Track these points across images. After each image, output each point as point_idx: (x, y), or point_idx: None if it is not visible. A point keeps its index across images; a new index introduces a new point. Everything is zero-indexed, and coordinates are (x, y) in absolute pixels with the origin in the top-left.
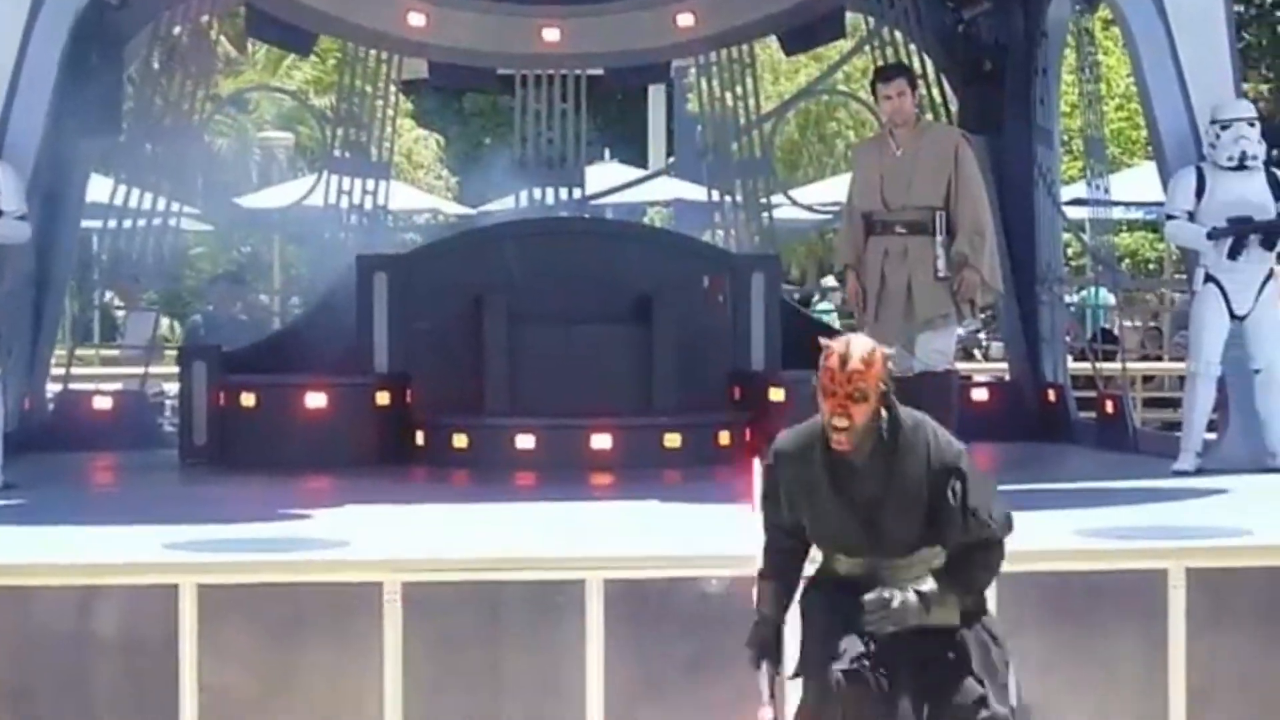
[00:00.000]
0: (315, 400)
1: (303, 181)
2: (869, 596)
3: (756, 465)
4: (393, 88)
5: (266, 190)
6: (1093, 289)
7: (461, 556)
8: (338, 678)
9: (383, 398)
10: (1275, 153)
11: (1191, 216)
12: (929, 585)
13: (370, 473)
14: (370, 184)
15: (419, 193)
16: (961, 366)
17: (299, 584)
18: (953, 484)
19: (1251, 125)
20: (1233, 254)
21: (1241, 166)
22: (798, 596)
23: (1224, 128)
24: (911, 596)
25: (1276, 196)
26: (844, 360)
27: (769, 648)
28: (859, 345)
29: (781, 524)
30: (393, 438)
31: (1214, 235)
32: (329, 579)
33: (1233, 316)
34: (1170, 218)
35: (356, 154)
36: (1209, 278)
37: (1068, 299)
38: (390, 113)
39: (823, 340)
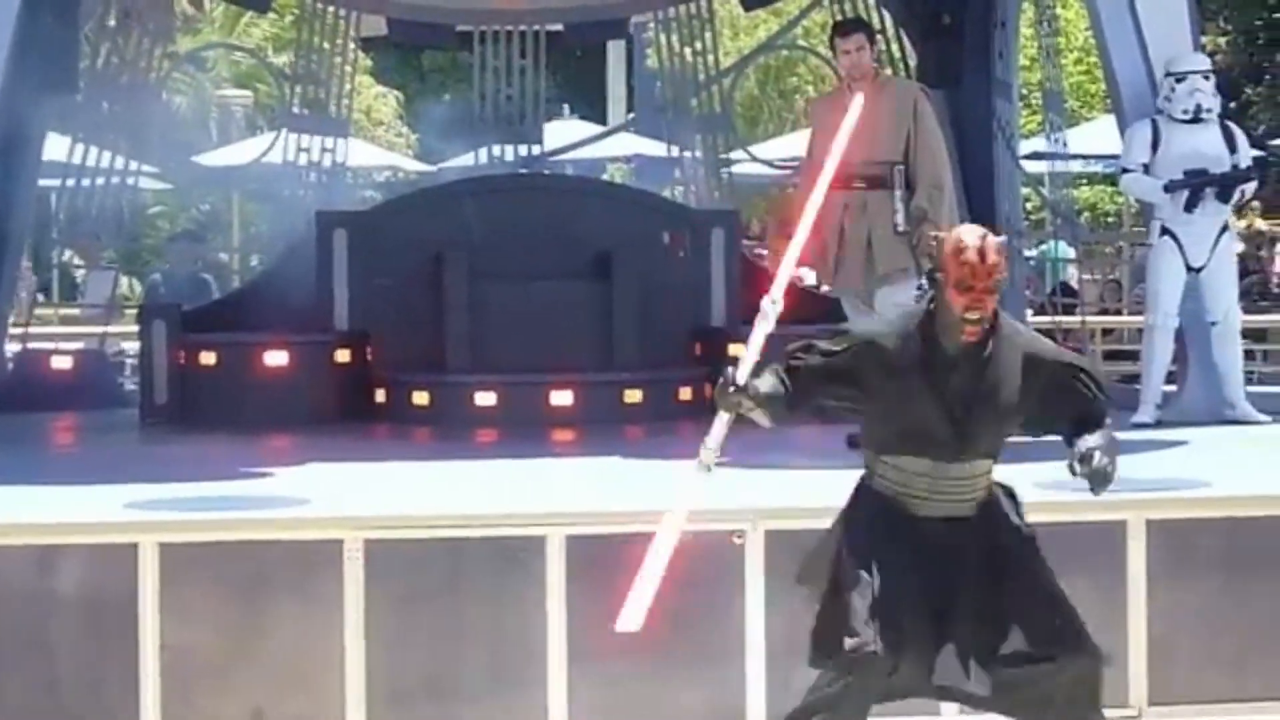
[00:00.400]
0: (275, 358)
1: (261, 139)
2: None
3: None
4: (351, 44)
5: (225, 148)
6: (1052, 242)
7: (422, 513)
8: (299, 635)
9: (343, 355)
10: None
11: (1147, 169)
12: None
13: (331, 430)
14: (329, 141)
15: (378, 150)
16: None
17: (260, 542)
18: (1070, 369)
19: (1206, 78)
20: (1189, 206)
21: (1196, 119)
22: (845, 507)
23: (1179, 80)
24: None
25: (1231, 149)
26: (983, 253)
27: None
28: (990, 237)
29: (822, 383)
30: (353, 395)
31: (1170, 188)
32: (290, 537)
33: (1189, 269)
34: (1126, 171)
35: (315, 111)
36: (1165, 230)
37: (1027, 253)
38: (349, 69)
39: (934, 233)
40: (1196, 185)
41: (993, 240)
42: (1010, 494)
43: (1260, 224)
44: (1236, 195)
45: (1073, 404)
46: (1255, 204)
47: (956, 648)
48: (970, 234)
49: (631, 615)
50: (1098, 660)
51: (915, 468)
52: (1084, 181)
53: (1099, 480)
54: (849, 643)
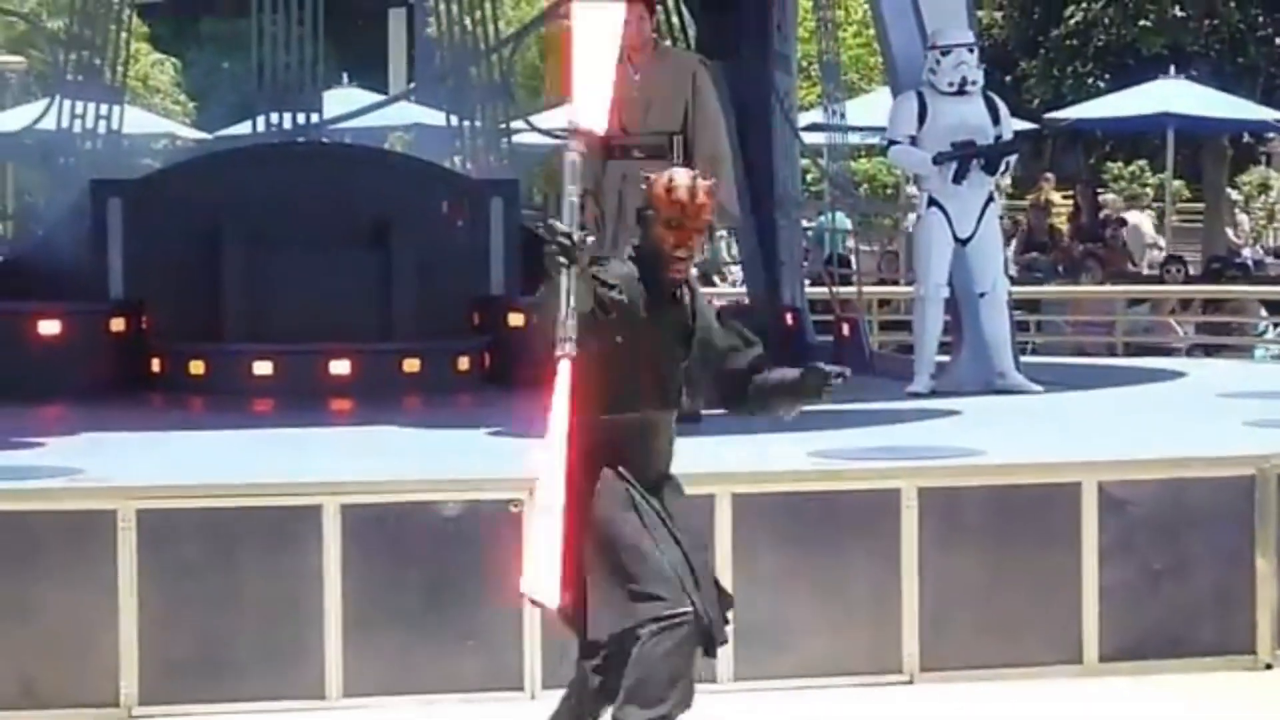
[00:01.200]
0: (48, 327)
1: (35, 106)
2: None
3: None
4: (127, 10)
5: None
6: (830, 214)
7: (197, 483)
8: (72, 606)
9: (118, 324)
10: (1008, 79)
11: (914, 141)
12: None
13: (105, 400)
14: (104, 108)
15: (155, 117)
16: (702, 291)
17: (31, 512)
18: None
19: (971, 51)
20: (957, 178)
21: (961, 91)
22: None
23: (944, 53)
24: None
25: (994, 120)
26: (693, 193)
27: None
28: (694, 177)
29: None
30: (129, 365)
31: (939, 159)
32: (62, 507)
33: (956, 240)
34: (893, 143)
35: (90, 78)
36: (932, 202)
37: (805, 223)
38: (125, 36)
39: (645, 174)
40: (965, 157)
41: (703, 182)
42: None
43: (1054, 195)
44: (1001, 166)
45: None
46: (1049, 175)
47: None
48: (682, 174)
49: (545, 589)
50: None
51: (630, 418)
52: (862, 154)
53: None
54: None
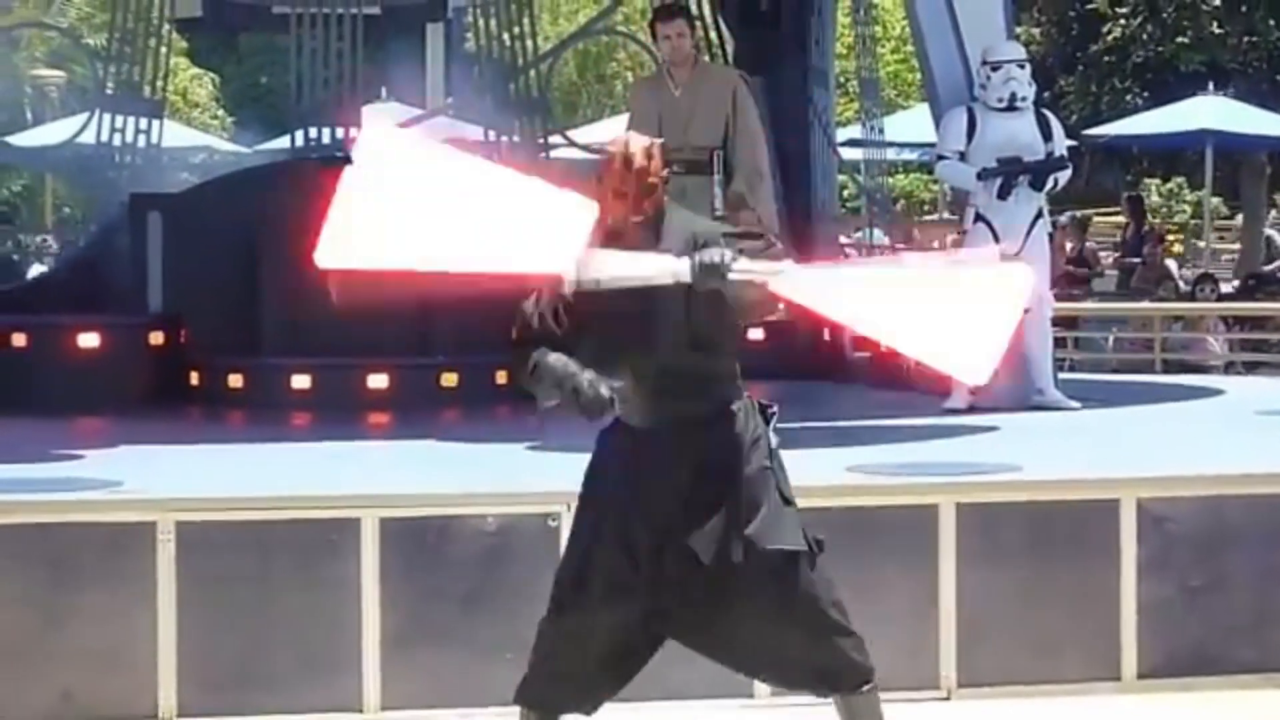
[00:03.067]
0: (88, 340)
1: (75, 119)
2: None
3: None
4: (167, 25)
5: (38, 128)
6: (868, 229)
7: (236, 496)
8: (110, 619)
9: (156, 338)
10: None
11: (962, 157)
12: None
13: (144, 413)
14: (144, 123)
15: (194, 132)
16: None
17: (71, 524)
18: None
19: (1021, 67)
20: (1002, 194)
21: (1011, 107)
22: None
23: (994, 69)
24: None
25: (1045, 137)
26: (628, 159)
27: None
28: (638, 140)
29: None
30: (167, 378)
31: (984, 175)
32: (102, 519)
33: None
34: (941, 158)
35: (129, 92)
36: (979, 217)
37: (843, 239)
38: (164, 51)
39: (598, 147)
40: (1010, 173)
41: (640, 143)
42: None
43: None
44: (1050, 183)
45: None
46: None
47: None
48: (624, 143)
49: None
50: None
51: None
52: (900, 169)
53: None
54: None
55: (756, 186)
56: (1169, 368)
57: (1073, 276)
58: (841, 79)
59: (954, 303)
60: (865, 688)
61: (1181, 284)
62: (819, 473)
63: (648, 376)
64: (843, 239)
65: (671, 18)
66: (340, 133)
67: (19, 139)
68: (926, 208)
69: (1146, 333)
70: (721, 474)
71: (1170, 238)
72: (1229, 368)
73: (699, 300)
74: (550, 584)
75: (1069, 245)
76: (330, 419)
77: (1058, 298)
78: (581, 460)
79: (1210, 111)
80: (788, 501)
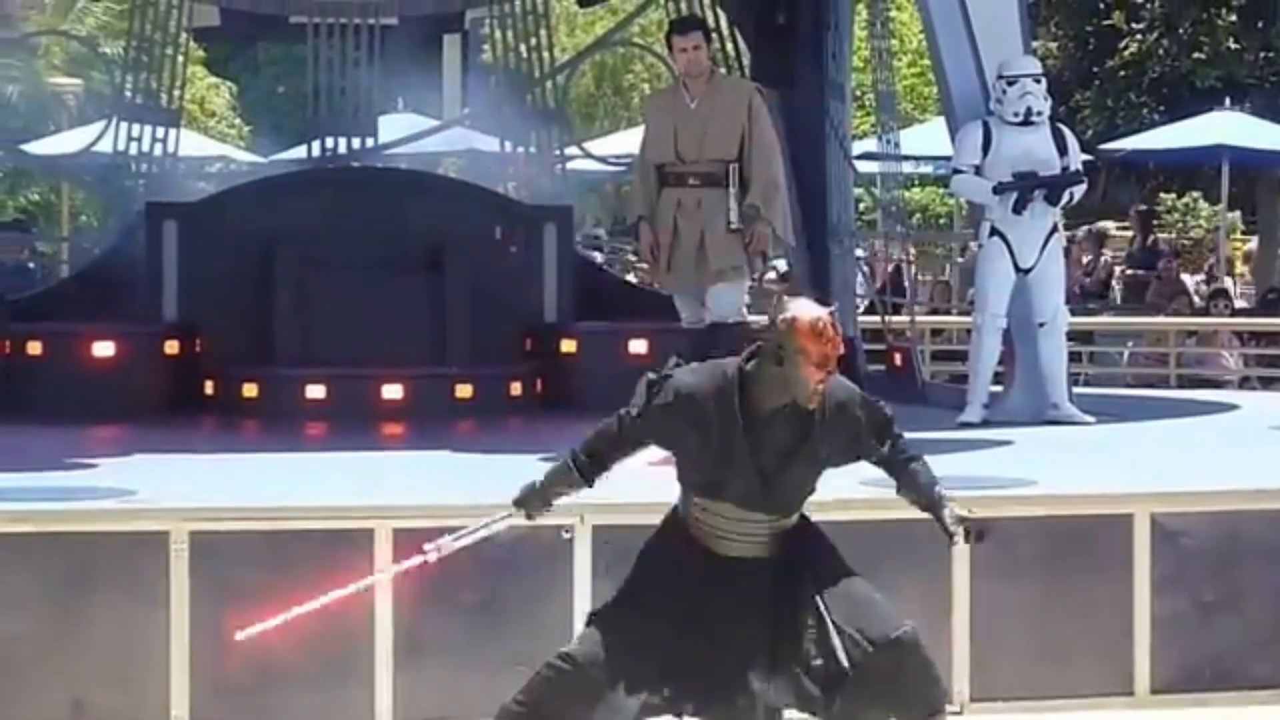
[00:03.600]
0: (103, 349)
1: (92, 128)
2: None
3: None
4: (184, 34)
5: (55, 136)
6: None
7: (249, 505)
8: (124, 627)
9: (172, 346)
10: (1063, 109)
11: (978, 170)
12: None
13: (159, 422)
14: (160, 131)
15: (210, 141)
16: (753, 319)
17: (86, 533)
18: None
19: (1037, 81)
20: (1017, 208)
21: (1027, 122)
22: (649, 539)
23: (1010, 83)
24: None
25: (1061, 151)
26: (834, 328)
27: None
28: (825, 311)
29: (636, 441)
30: (182, 387)
31: (1000, 190)
32: (116, 528)
33: (1018, 269)
34: (957, 172)
35: (147, 100)
36: (994, 231)
37: (858, 252)
38: (181, 59)
39: (789, 308)
40: (1025, 187)
41: (829, 315)
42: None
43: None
44: (1065, 198)
45: (869, 453)
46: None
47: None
48: (823, 311)
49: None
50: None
51: (723, 511)
52: (916, 183)
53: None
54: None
55: (772, 199)
56: (1184, 383)
57: (1087, 291)
58: (858, 92)
59: None
60: None
61: (1196, 299)
62: (832, 487)
63: None
64: (858, 252)
65: (688, 30)
66: (356, 143)
67: (36, 147)
68: (943, 221)
69: (1161, 347)
70: None
71: (1182, 256)
72: (1244, 383)
73: None
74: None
75: (1085, 259)
76: (345, 429)
77: (1073, 312)
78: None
79: (1226, 126)
80: None
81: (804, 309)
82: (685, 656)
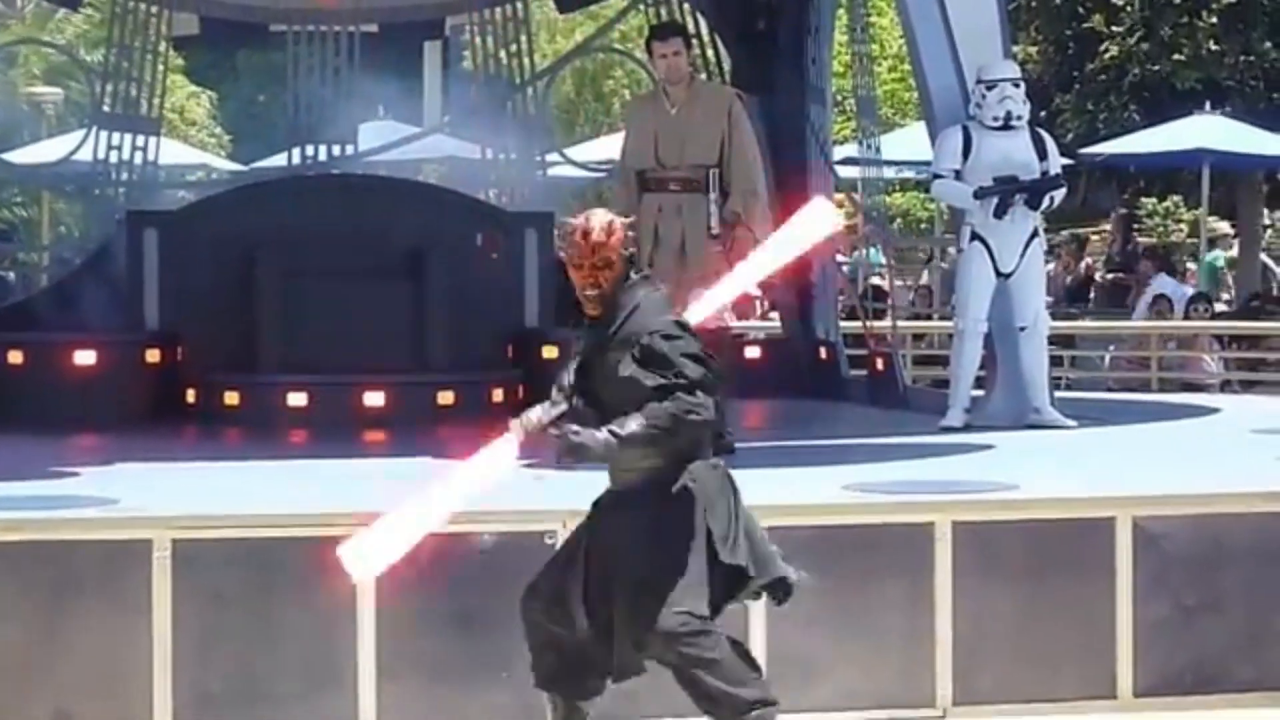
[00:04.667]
0: (84, 358)
1: (72, 136)
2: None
3: None
4: (164, 43)
5: (35, 145)
6: (864, 248)
7: (232, 513)
8: (106, 636)
9: (153, 355)
10: (1043, 113)
11: (958, 175)
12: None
13: (141, 431)
14: (140, 140)
15: (191, 149)
16: (735, 324)
17: (67, 542)
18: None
19: (1016, 85)
20: (998, 213)
21: (1007, 126)
22: None
23: (989, 88)
24: (601, 434)
25: (1041, 155)
26: (586, 233)
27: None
28: (599, 216)
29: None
30: (164, 395)
31: (980, 194)
32: (98, 536)
33: (998, 274)
34: (937, 176)
35: (127, 109)
36: (975, 236)
37: (841, 258)
38: (161, 68)
39: (561, 220)
40: (1006, 192)
41: (600, 220)
42: (652, 491)
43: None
44: (1046, 202)
45: (657, 389)
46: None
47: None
48: (586, 217)
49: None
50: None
51: None
52: (897, 188)
53: (561, 454)
54: None
55: (752, 205)
56: (1165, 386)
57: (1074, 295)
58: (839, 97)
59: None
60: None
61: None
62: (815, 491)
63: None
64: (839, 257)
65: (668, 36)
66: (337, 150)
67: (15, 156)
68: (924, 226)
69: (1143, 351)
70: None
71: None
72: (1225, 386)
73: None
74: None
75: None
76: (327, 436)
77: (1054, 316)
78: (578, 479)
79: (1207, 130)
80: None
81: (581, 214)
82: (556, 582)
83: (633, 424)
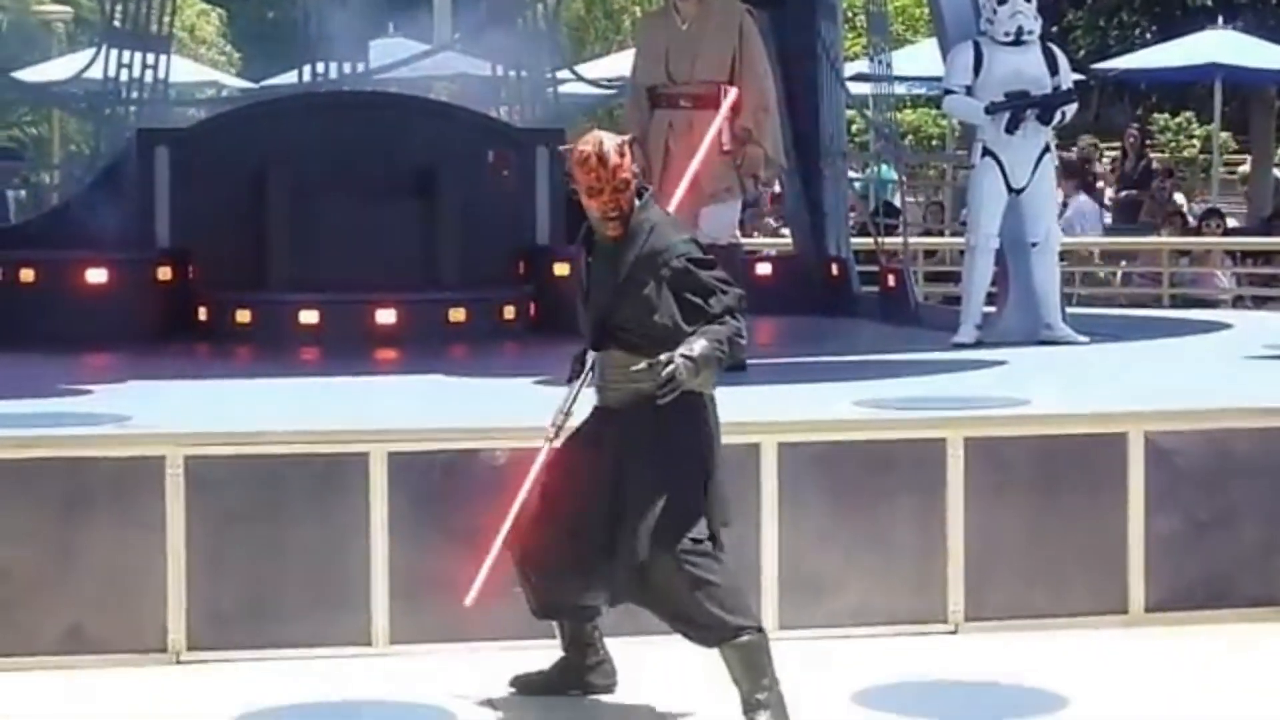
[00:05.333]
0: (96, 275)
1: (82, 55)
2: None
3: None
4: None
5: (45, 64)
6: (876, 164)
7: (244, 430)
8: (120, 553)
9: (164, 273)
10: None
11: (970, 91)
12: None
13: (152, 348)
14: (151, 58)
15: (201, 67)
16: (746, 241)
17: (81, 459)
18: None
19: (1028, 1)
20: (1010, 128)
21: (1018, 41)
22: None
23: (1001, 3)
24: (680, 360)
25: (1052, 71)
26: (602, 157)
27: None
28: (609, 140)
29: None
30: (175, 313)
31: (992, 110)
32: (111, 454)
33: (1010, 190)
34: (949, 92)
35: (137, 27)
36: (987, 151)
37: (851, 174)
38: None
39: (563, 150)
40: (1018, 107)
41: (613, 142)
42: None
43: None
44: (1057, 117)
45: (693, 312)
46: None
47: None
48: (590, 142)
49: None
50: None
51: (593, 356)
52: (908, 104)
53: (661, 385)
54: None
55: (763, 122)
56: (1177, 302)
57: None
58: (849, 13)
59: None
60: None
61: (1190, 219)
62: (827, 408)
63: None
64: (850, 173)
65: None
66: (347, 68)
67: (26, 74)
68: (935, 142)
69: (1155, 267)
70: None
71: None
72: (1237, 302)
73: None
74: None
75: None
76: (338, 354)
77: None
78: (588, 394)
79: (1219, 45)
80: None
81: (584, 140)
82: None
83: (698, 347)
